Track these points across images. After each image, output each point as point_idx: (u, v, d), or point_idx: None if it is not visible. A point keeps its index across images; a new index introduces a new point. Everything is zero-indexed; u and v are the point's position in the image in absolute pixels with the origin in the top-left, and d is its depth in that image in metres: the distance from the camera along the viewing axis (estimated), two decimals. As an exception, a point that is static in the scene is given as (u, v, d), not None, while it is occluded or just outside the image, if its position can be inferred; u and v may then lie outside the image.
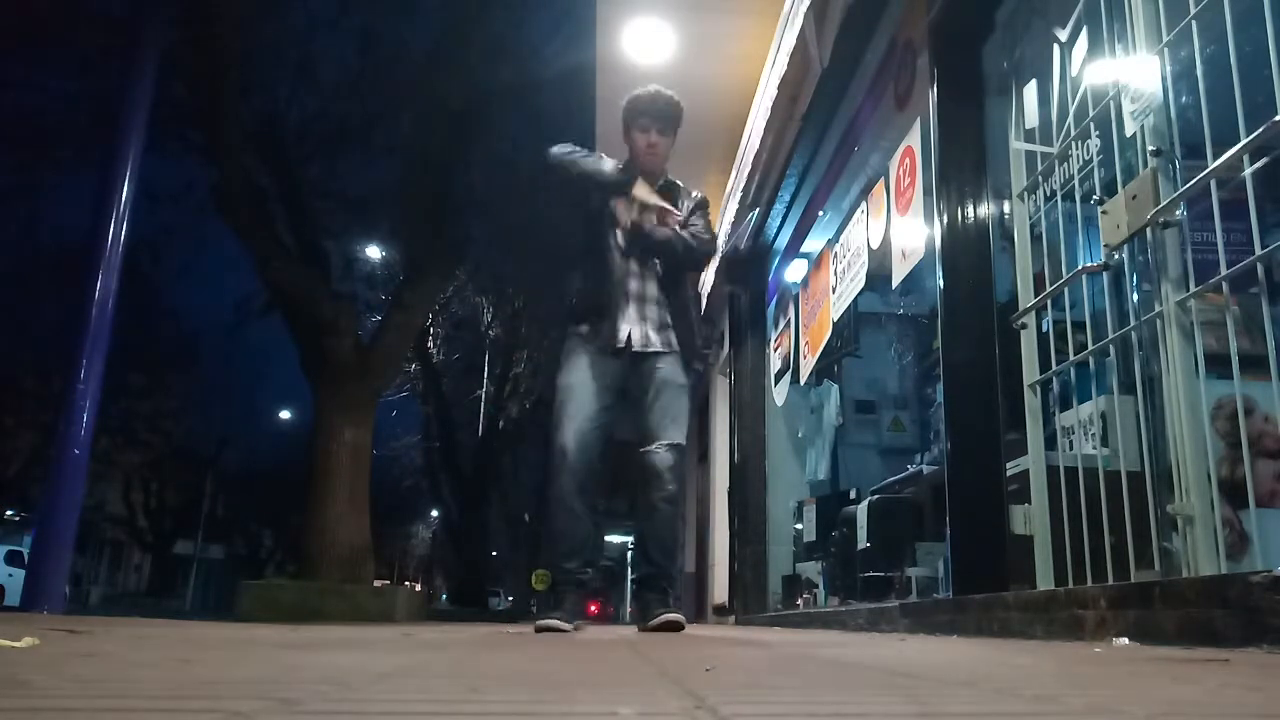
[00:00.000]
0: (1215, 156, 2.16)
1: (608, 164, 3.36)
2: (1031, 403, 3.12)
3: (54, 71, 9.50)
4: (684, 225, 3.37)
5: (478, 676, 1.18)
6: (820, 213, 6.22)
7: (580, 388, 3.24)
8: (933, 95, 3.71)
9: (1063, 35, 3.15)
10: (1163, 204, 2.40)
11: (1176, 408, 2.32)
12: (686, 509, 12.25)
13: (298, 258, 8.21)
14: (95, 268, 6.54)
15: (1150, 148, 2.48)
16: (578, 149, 3.37)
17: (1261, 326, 2.42)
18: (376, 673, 1.20)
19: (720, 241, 7.55)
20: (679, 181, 3.53)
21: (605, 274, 3.30)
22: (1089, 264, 2.79)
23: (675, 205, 3.38)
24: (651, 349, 3.28)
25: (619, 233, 3.33)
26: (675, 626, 3.02)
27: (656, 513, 3.23)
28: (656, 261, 3.36)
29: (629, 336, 3.27)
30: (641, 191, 3.27)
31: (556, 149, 3.36)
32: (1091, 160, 2.91)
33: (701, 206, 3.52)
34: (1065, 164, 3.06)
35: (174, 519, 31.13)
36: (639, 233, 3.30)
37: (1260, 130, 2.02)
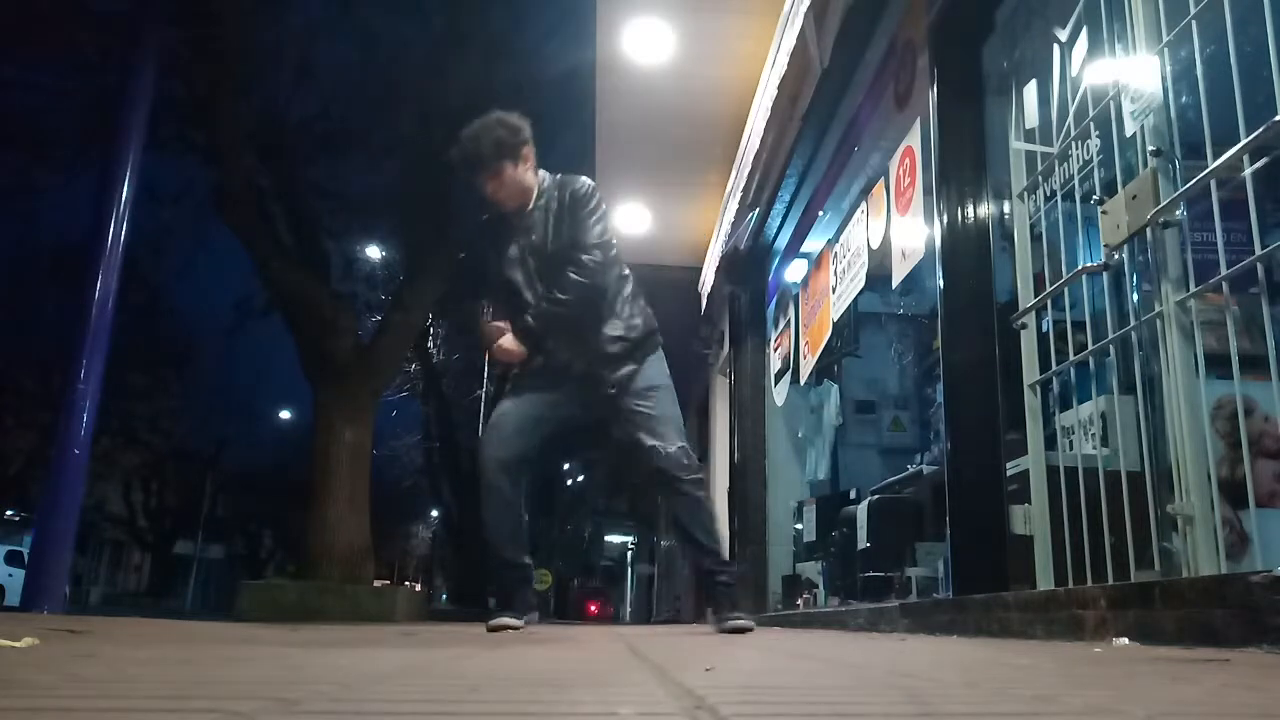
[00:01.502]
0: (1215, 156, 2.16)
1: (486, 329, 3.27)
2: (1031, 403, 3.12)
3: (54, 71, 9.49)
4: (571, 247, 3.16)
5: (478, 676, 1.18)
6: (820, 213, 6.22)
7: (510, 400, 3.26)
8: (933, 95, 3.71)
9: (1063, 35, 3.15)
10: (1163, 204, 2.40)
11: (1176, 408, 2.32)
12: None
13: (298, 258, 8.21)
14: (95, 268, 6.53)
15: (1150, 148, 2.48)
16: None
17: (1261, 326, 2.42)
18: (376, 673, 1.20)
19: (720, 243, 7.56)
20: (554, 189, 3.25)
21: (516, 323, 3.21)
22: (1089, 264, 2.79)
23: (555, 226, 3.20)
24: (613, 359, 3.18)
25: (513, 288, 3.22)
26: (746, 630, 3.00)
27: (686, 498, 3.15)
28: (553, 282, 3.17)
29: (559, 365, 3.20)
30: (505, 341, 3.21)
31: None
32: (1091, 160, 2.91)
33: (576, 205, 3.19)
34: (1065, 164, 3.06)
35: (174, 519, 31.10)
36: (540, 323, 3.17)
37: (1260, 130, 2.02)
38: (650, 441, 3.14)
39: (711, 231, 8.05)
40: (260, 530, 35.55)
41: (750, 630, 3.02)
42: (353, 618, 6.14)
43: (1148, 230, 2.47)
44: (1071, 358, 2.87)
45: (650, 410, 3.18)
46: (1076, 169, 2.97)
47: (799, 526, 6.54)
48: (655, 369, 3.25)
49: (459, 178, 3.27)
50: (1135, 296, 2.78)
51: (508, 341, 3.19)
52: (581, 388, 3.24)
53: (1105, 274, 2.72)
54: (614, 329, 3.21)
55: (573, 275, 3.12)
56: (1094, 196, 2.84)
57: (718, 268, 7.87)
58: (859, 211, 5.08)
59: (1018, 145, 3.38)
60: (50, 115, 10.02)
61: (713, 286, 8.29)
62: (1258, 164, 2.14)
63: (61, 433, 6.41)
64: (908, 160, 4.27)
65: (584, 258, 3.13)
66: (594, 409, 3.29)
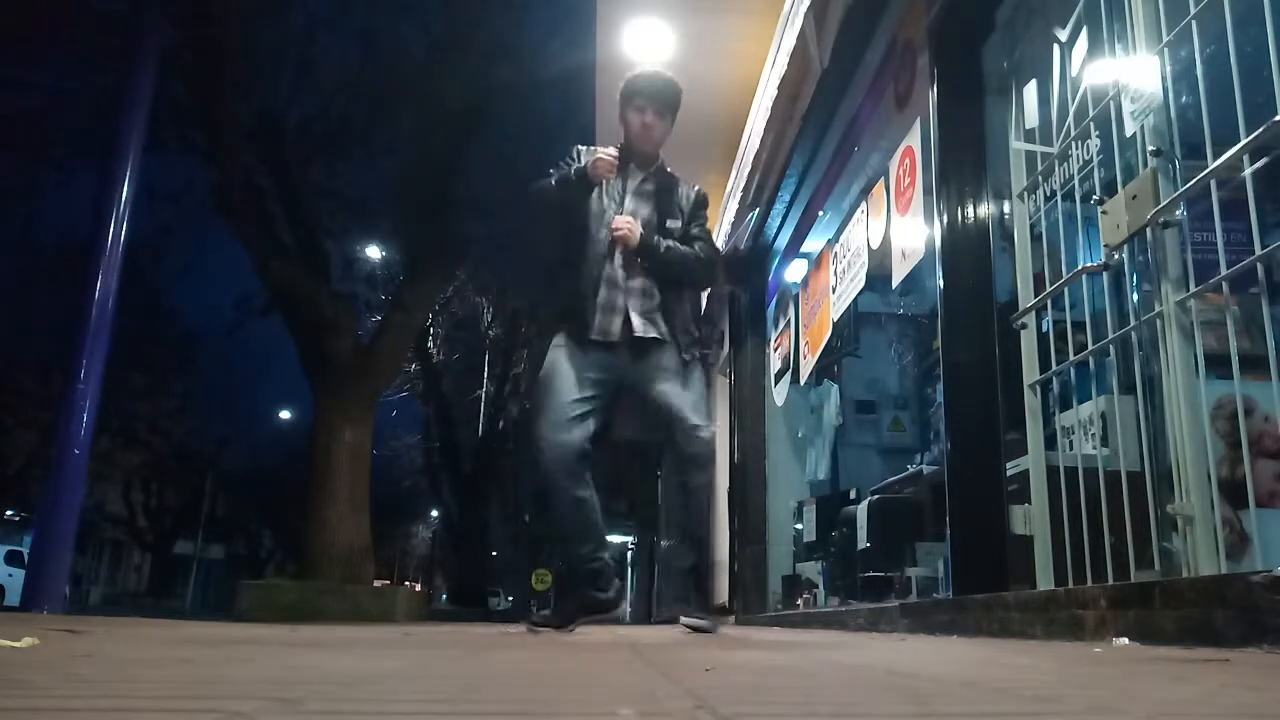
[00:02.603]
0: (1215, 156, 2.16)
1: (576, 166, 3.21)
2: (1031, 403, 3.12)
3: (54, 71, 9.49)
4: (685, 235, 3.27)
5: (478, 676, 1.18)
6: (820, 213, 6.22)
7: (558, 378, 3.13)
8: (933, 95, 3.71)
9: (1063, 35, 3.15)
10: (1163, 204, 2.40)
11: (1176, 408, 2.32)
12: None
13: (298, 258, 8.21)
14: (95, 268, 6.54)
15: (1150, 148, 2.48)
16: (546, 180, 3.26)
17: (1261, 326, 2.42)
18: (376, 673, 1.20)
19: (720, 242, 7.56)
20: (675, 173, 3.40)
21: (589, 268, 3.17)
22: (1089, 264, 2.79)
23: (671, 198, 3.29)
24: (650, 335, 3.14)
25: (604, 228, 3.18)
26: (709, 630, 3.01)
27: (692, 498, 3.12)
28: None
29: (622, 326, 3.13)
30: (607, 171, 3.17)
31: (533, 189, 3.28)
32: (1091, 160, 2.91)
33: (701, 205, 3.38)
34: (1065, 164, 3.06)
35: (174, 519, 31.12)
36: (646, 249, 3.17)
37: (1260, 130, 2.02)
38: (694, 419, 3.07)
39: (711, 231, 8.06)
40: (260, 530, 35.55)
41: (712, 632, 3.01)
42: (353, 618, 6.14)
43: (1148, 230, 2.47)
44: (1071, 358, 2.87)
45: (685, 390, 3.13)
46: (1076, 169, 2.97)
47: (799, 526, 6.54)
48: (681, 362, 3.22)
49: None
50: (1135, 296, 2.78)
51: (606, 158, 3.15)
52: (620, 358, 3.16)
53: (1105, 274, 2.72)
54: (680, 310, 3.25)
55: (696, 245, 3.29)
56: (1094, 196, 2.84)
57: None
58: (859, 211, 5.08)
59: (1018, 145, 3.38)
60: (50, 115, 10.03)
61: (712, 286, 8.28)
62: (1258, 164, 2.14)
63: (61, 433, 6.42)
64: (908, 160, 4.27)
65: (712, 252, 3.38)
66: (629, 381, 3.18)
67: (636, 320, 3.14)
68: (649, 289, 3.20)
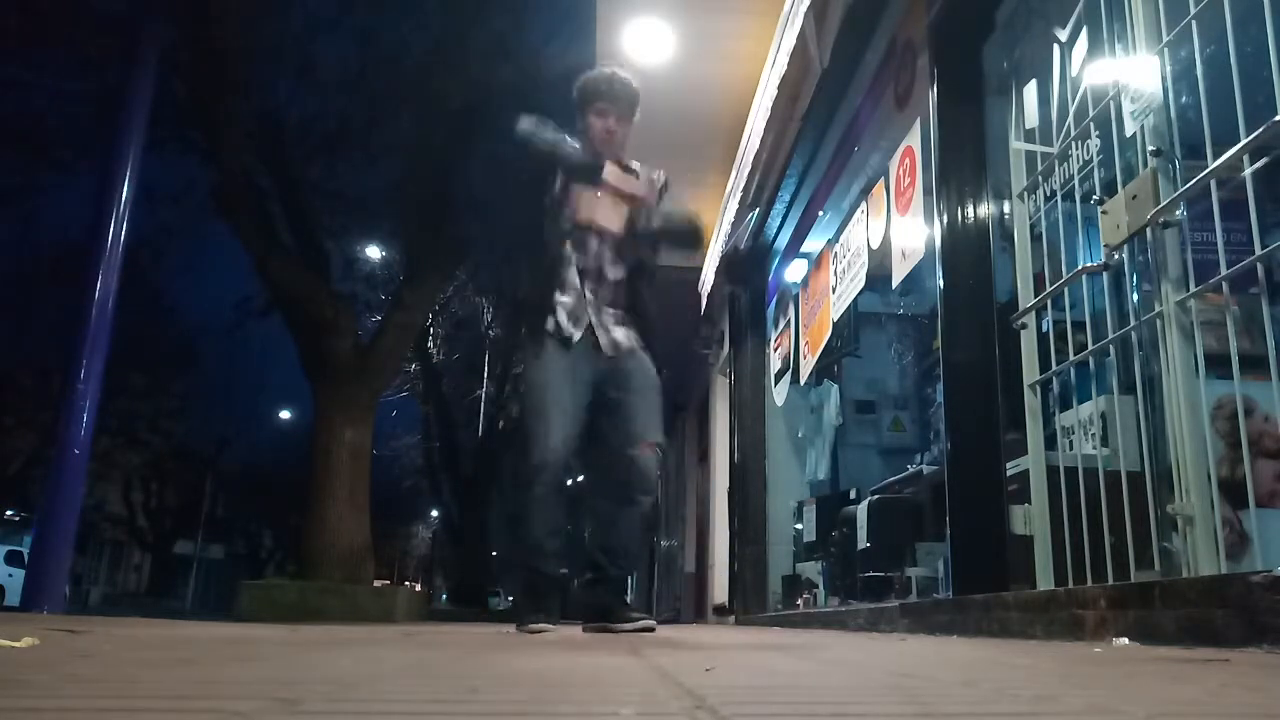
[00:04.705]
0: (1215, 156, 2.16)
1: (573, 147, 3.17)
2: (1031, 403, 3.12)
3: (54, 71, 9.49)
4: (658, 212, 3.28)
5: (478, 676, 1.18)
6: (820, 213, 6.22)
7: (556, 385, 3.08)
8: (933, 95, 3.71)
9: (1063, 35, 3.15)
10: (1163, 204, 2.40)
11: (1176, 408, 2.32)
12: (687, 510, 12.26)
13: (298, 258, 8.21)
14: (95, 268, 6.54)
15: (1150, 148, 2.48)
16: (547, 124, 3.16)
17: (1261, 326, 2.42)
18: (376, 673, 1.20)
19: (720, 242, 7.56)
20: (635, 164, 3.33)
21: (565, 268, 3.16)
22: (1089, 264, 2.79)
23: (639, 190, 3.23)
24: (624, 348, 3.16)
25: (580, 224, 3.16)
26: (651, 630, 2.98)
27: (635, 508, 3.09)
28: (619, 253, 3.20)
29: (599, 339, 3.13)
30: (613, 178, 3.11)
31: (526, 123, 3.14)
32: (1091, 160, 2.91)
33: (666, 189, 3.34)
34: (1065, 164, 3.06)
35: (174, 519, 31.12)
36: (648, 230, 3.20)
37: (1260, 130, 2.02)
38: (640, 435, 3.05)
39: (711, 231, 8.05)
40: (260, 530, 35.54)
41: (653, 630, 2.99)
42: (353, 618, 6.14)
43: (1148, 230, 2.47)
44: (1071, 358, 2.87)
45: (646, 405, 3.11)
46: (1076, 169, 2.97)
47: (799, 526, 6.54)
48: (654, 367, 3.23)
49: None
50: (1135, 296, 2.78)
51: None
52: (584, 360, 3.14)
53: (1105, 274, 2.72)
54: (647, 316, 3.28)
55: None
56: (1094, 196, 2.84)
57: (718, 268, 7.87)
58: (859, 211, 5.08)
59: (1018, 145, 3.38)
60: (50, 115, 10.03)
61: (713, 286, 8.29)
62: (1258, 164, 2.14)
63: (61, 433, 6.42)
64: (908, 160, 4.27)
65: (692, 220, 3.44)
66: (592, 385, 3.15)
67: (616, 332, 3.17)
68: (622, 290, 3.22)
